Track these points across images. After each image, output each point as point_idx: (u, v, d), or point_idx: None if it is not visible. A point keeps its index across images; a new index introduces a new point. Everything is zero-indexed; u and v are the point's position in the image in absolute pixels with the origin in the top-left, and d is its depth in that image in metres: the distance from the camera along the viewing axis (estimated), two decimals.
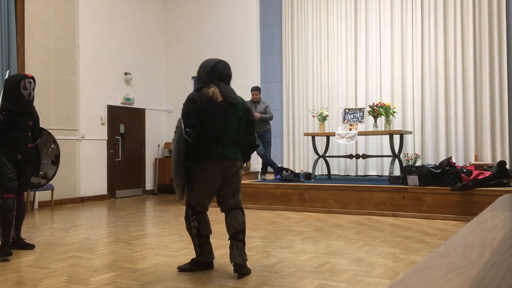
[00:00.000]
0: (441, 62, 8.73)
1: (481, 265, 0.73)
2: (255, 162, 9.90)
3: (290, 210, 7.45)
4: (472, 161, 8.25)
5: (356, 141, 8.71)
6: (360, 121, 8.24)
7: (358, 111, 8.30)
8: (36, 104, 8.33)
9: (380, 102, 8.25)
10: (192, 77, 10.45)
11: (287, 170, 8.16)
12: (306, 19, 9.99)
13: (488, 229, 1.04)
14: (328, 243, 4.89)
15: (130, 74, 10.44)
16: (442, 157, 8.38)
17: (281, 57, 10.24)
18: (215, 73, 3.83)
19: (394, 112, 8.05)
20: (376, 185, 7.06)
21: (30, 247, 4.78)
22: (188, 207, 3.86)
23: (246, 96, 9.08)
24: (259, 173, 8.91)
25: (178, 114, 5.47)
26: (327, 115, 8.70)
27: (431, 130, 8.81)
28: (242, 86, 10.28)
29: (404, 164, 7.93)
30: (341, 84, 9.59)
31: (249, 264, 4.04)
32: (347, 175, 9.47)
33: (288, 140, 10.13)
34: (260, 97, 8.44)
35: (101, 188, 9.72)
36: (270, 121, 8.37)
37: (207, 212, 3.93)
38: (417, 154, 8.51)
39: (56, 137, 5.54)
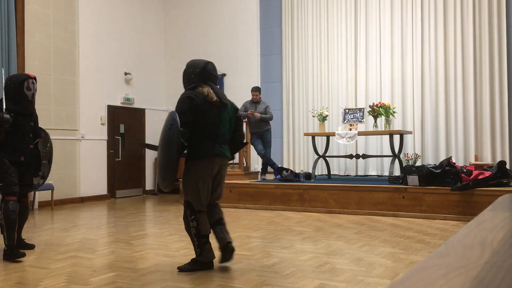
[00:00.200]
0: (441, 62, 8.73)
1: (481, 265, 0.73)
2: (255, 162, 9.90)
3: (290, 210, 7.45)
4: (472, 161, 8.25)
5: (356, 141, 8.71)
6: (360, 121, 8.24)
7: (358, 111, 8.30)
8: (36, 104, 8.32)
9: (380, 102, 8.25)
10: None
11: (287, 170, 8.16)
12: (306, 19, 10.00)
13: (488, 229, 1.04)
14: (328, 243, 4.89)
15: (130, 74, 10.44)
16: (442, 157, 8.38)
17: (281, 57, 10.24)
18: (206, 73, 3.97)
19: (394, 112, 8.05)
20: (376, 185, 7.06)
21: (30, 247, 4.77)
22: (186, 207, 3.86)
23: (246, 96, 9.11)
24: (259, 173, 8.91)
25: None
26: (327, 115, 8.70)
27: (431, 130, 8.81)
28: (242, 86, 10.30)
29: (404, 164, 7.93)
30: (341, 84, 9.60)
31: (249, 264, 4.05)
32: (347, 175, 9.48)
33: (288, 140, 10.13)
34: (260, 97, 8.45)
35: (101, 188, 9.72)
36: (270, 121, 8.38)
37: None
38: (417, 154, 8.51)
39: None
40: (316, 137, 8.92)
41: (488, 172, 6.42)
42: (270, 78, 10.36)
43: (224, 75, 10.73)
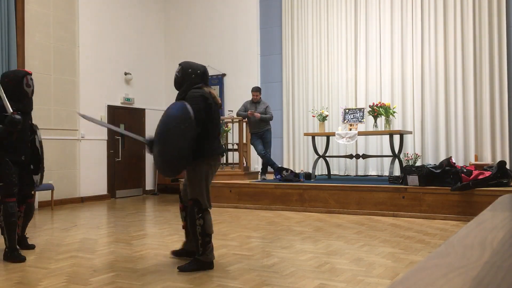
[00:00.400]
0: (441, 62, 8.73)
1: (481, 265, 0.73)
2: (255, 162, 9.90)
3: (290, 210, 7.45)
4: (472, 161, 8.25)
5: (356, 141, 8.71)
6: (360, 121, 8.24)
7: (358, 111, 8.30)
8: (36, 104, 8.33)
9: (380, 102, 8.25)
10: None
11: (287, 170, 8.16)
12: (306, 19, 10.00)
13: (488, 229, 1.04)
14: (328, 243, 4.89)
15: (130, 74, 10.44)
16: (442, 157, 8.38)
17: (281, 57, 10.24)
18: (206, 77, 4.14)
19: (394, 112, 8.05)
20: (376, 185, 7.06)
21: (31, 247, 4.76)
22: (194, 204, 3.88)
23: (246, 96, 9.11)
24: (259, 173, 8.91)
25: None
26: (327, 115, 8.70)
27: (431, 130, 8.81)
28: (242, 86, 10.31)
29: (404, 164, 7.93)
30: (341, 84, 9.59)
31: (249, 264, 4.04)
32: (347, 175, 9.47)
33: (288, 140, 10.13)
34: (260, 98, 8.45)
35: (101, 188, 9.72)
36: (270, 121, 8.38)
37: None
38: (417, 154, 8.51)
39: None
40: (316, 137, 8.92)
41: (488, 172, 6.42)
42: (270, 78, 10.36)
43: (224, 75, 10.73)
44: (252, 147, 8.68)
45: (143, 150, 10.81)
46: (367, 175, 9.28)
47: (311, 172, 8.50)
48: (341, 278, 3.55)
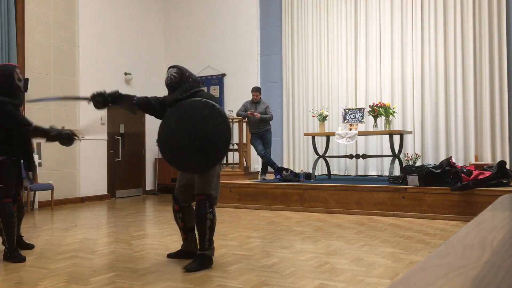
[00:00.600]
0: (441, 62, 8.73)
1: (481, 265, 0.73)
2: (255, 162, 9.90)
3: (290, 210, 7.45)
4: (472, 161, 8.25)
5: (356, 141, 8.71)
6: (360, 121, 8.24)
7: (358, 111, 8.30)
8: (36, 104, 8.37)
9: (380, 102, 8.25)
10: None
11: (287, 170, 8.16)
12: (306, 19, 10.00)
13: (488, 229, 1.04)
14: (328, 243, 4.89)
15: (130, 74, 10.44)
16: (442, 157, 8.38)
17: (281, 57, 10.24)
18: (198, 82, 4.32)
19: (394, 112, 8.06)
20: (376, 185, 7.06)
21: (30, 247, 4.76)
22: (206, 199, 3.95)
23: (246, 96, 9.11)
24: (259, 173, 8.91)
25: None
26: (327, 115, 8.70)
27: (431, 130, 8.81)
28: (242, 86, 10.31)
29: (404, 164, 7.93)
30: (341, 84, 9.60)
31: (249, 264, 4.04)
32: (347, 175, 9.48)
33: (288, 140, 10.13)
34: (260, 98, 8.45)
35: (101, 188, 9.72)
36: (270, 121, 8.38)
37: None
38: (417, 154, 8.51)
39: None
40: (316, 137, 8.92)
41: (488, 172, 6.42)
42: (270, 78, 10.36)
43: (224, 75, 10.73)
44: (252, 147, 8.68)
45: (143, 150, 10.81)
46: (367, 175, 9.29)
47: (311, 172, 8.50)
48: (341, 278, 3.55)
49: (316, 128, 9.39)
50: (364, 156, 8.51)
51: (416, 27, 8.97)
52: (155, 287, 3.41)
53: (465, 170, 6.49)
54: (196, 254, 3.96)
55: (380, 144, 9.19)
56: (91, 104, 4.34)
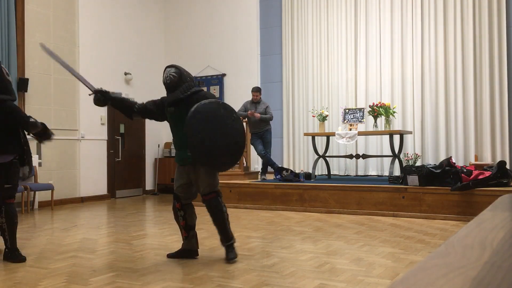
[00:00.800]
0: (441, 62, 8.73)
1: (481, 265, 0.73)
2: (255, 162, 9.90)
3: (290, 210, 7.45)
4: (472, 161, 8.25)
5: (356, 141, 8.71)
6: (360, 121, 8.24)
7: (358, 111, 8.30)
8: (36, 104, 8.38)
9: (380, 102, 8.25)
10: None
11: (287, 170, 8.16)
12: (306, 19, 10.00)
13: (488, 229, 1.04)
14: (328, 243, 4.89)
15: (130, 74, 10.44)
16: (442, 157, 8.38)
17: (281, 57, 10.24)
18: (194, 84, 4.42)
19: (394, 112, 8.05)
20: (376, 185, 7.06)
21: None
22: (218, 195, 4.16)
23: (246, 96, 9.11)
24: (259, 173, 8.91)
25: None
26: (327, 115, 8.70)
27: (431, 130, 8.81)
28: (242, 86, 10.31)
29: (404, 164, 7.93)
30: (341, 84, 9.60)
31: (249, 264, 4.04)
32: (347, 175, 9.47)
33: (288, 140, 10.13)
34: (260, 98, 8.45)
35: (101, 188, 9.72)
36: (270, 121, 8.38)
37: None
38: (417, 154, 8.51)
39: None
40: (316, 137, 8.92)
41: (488, 172, 6.42)
42: (270, 78, 10.36)
43: (224, 75, 10.73)
44: (252, 147, 8.68)
45: (143, 150, 10.81)
46: (367, 175, 9.29)
47: (311, 172, 8.50)
48: (341, 278, 3.55)
49: (316, 128, 9.39)
50: (364, 156, 8.51)
51: (416, 27, 8.97)
52: (155, 287, 3.41)
53: (465, 170, 6.49)
54: (225, 246, 4.14)
55: (380, 144, 9.19)
56: (93, 105, 4.43)
